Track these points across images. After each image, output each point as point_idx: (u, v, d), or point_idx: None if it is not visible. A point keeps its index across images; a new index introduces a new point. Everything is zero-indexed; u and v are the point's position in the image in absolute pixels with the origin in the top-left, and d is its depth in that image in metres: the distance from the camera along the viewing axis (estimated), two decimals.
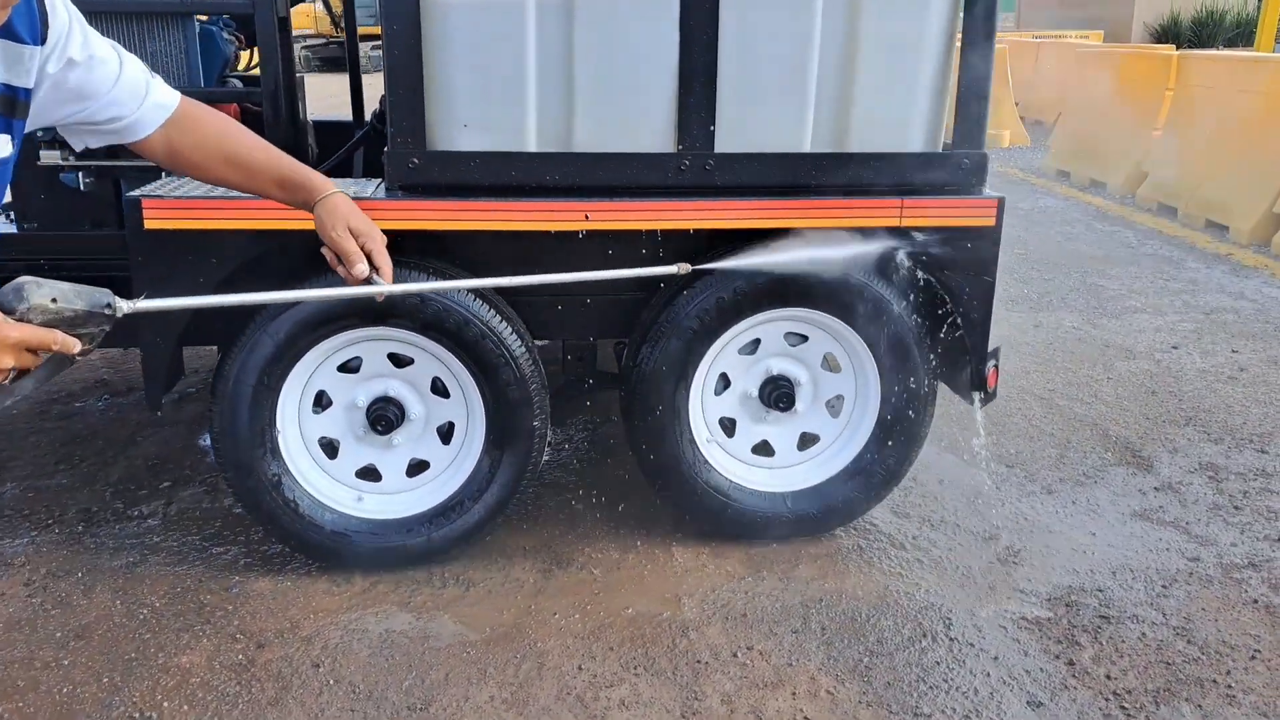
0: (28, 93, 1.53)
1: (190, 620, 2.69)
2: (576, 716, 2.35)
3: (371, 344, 2.82)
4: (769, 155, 2.80)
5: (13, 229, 3.32)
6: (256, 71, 3.07)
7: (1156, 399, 4.27)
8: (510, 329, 2.78)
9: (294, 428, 2.84)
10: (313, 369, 2.80)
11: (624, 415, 2.99)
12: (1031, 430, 3.95)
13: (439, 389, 2.88)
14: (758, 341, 3.00)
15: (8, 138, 1.54)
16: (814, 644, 2.62)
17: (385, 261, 1.88)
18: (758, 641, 2.62)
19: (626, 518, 3.22)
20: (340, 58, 6.45)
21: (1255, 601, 2.82)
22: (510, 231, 2.75)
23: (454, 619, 2.70)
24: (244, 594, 2.80)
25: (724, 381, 3.03)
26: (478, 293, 2.75)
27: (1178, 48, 13.26)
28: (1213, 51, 13.35)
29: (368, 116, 3.86)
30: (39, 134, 2.86)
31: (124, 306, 1.34)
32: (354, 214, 1.86)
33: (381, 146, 2.77)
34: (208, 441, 3.24)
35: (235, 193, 2.62)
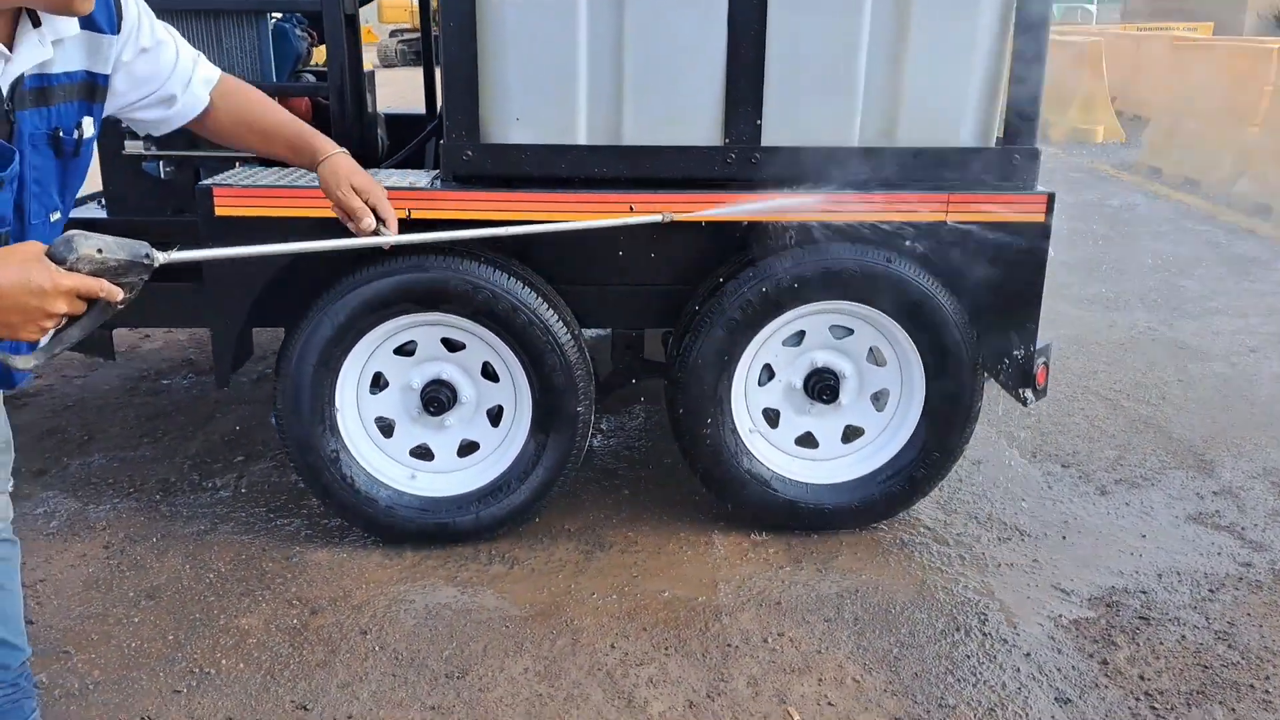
0: (106, 79, 1.67)
1: (252, 585, 2.85)
2: (605, 691, 2.43)
3: (426, 329, 2.94)
4: (816, 148, 2.82)
5: (102, 215, 3.55)
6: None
7: (1227, 403, 4.15)
8: (557, 317, 2.87)
9: (352, 407, 2.98)
10: (370, 351, 2.94)
11: (668, 404, 3.06)
12: (1092, 430, 3.89)
13: (489, 373, 2.99)
14: (802, 334, 3.03)
15: (90, 120, 1.67)
16: (845, 633, 2.65)
17: (390, 213, 1.97)
18: (789, 628, 2.67)
19: (671, 505, 3.28)
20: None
21: None
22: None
23: (496, 594, 2.81)
24: (302, 563, 2.95)
25: (768, 373, 3.07)
26: (527, 282, 2.85)
27: None
28: None
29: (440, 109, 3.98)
30: (124, 124, 3.05)
31: (160, 257, 1.45)
32: (356, 172, 1.96)
33: None
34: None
35: (300, 182, 2.79)
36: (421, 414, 2.97)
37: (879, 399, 3.10)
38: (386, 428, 3.02)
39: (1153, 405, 4.12)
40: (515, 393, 2.99)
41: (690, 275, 3.00)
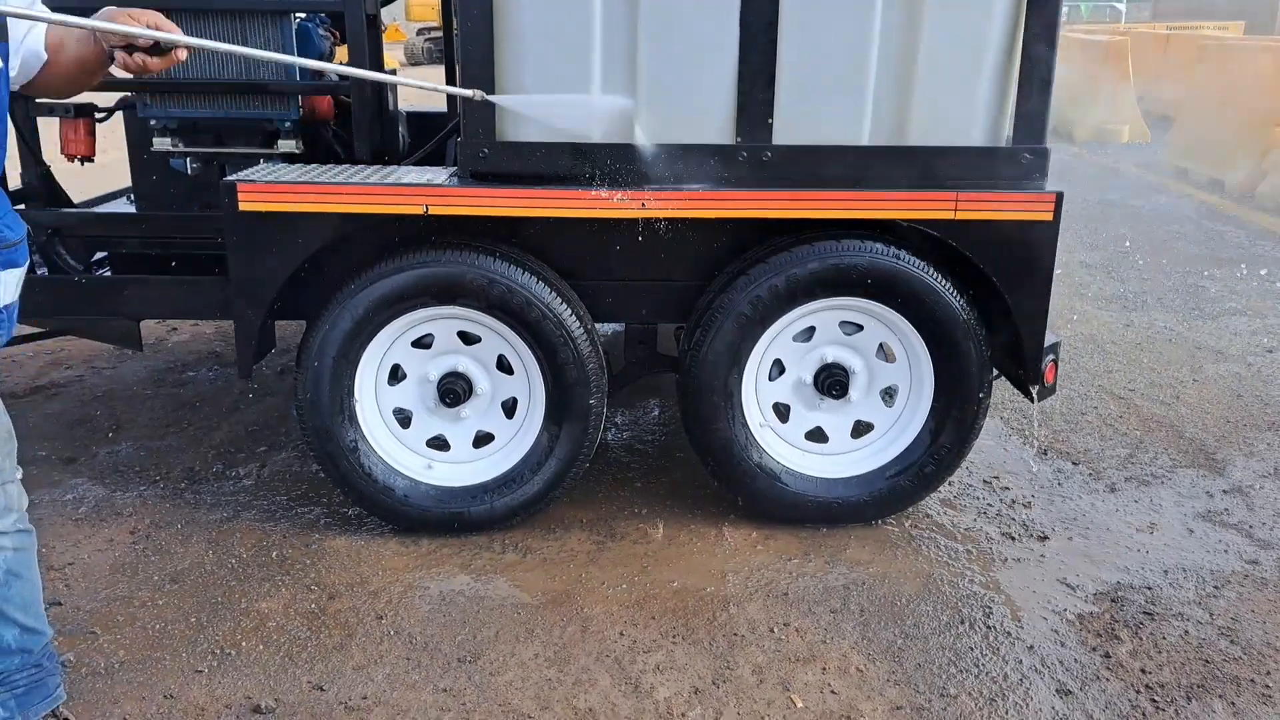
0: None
1: (272, 571, 2.92)
2: (612, 676, 2.48)
3: (443, 322, 3.01)
4: (826, 147, 2.87)
5: (132, 209, 3.65)
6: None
7: (1241, 402, 4.16)
8: (570, 311, 2.93)
9: (371, 398, 3.05)
10: (389, 344, 3.01)
11: (680, 398, 3.11)
12: (1104, 429, 3.91)
13: (504, 366, 3.05)
14: (813, 329, 3.07)
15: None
16: (850, 624, 2.69)
17: (169, 25, 1.99)
18: (795, 619, 2.71)
19: (682, 497, 3.34)
20: None
21: None
22: (572, 218, 2.89)
23: (509, 582, 2.87)
24: (321, 550, 3.03)
25: (779, 368, 3.11)
26: (541, 276, 2.91)
27: None
28: None
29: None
30: (152, 121, 3.14)
31: None
32: (120, 13, 1.98)
33: None
34: None
35: (323, 178, 2.86)
36: (438, 405, 3.04)
37: (888, 395, 3.14)
38: (404, 419, 3.10)
39: (1166, 404, 4.13)
40: (530, 385, 3.05)
41: (702, 271, 3.05)
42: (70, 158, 3.28)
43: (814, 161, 2.88)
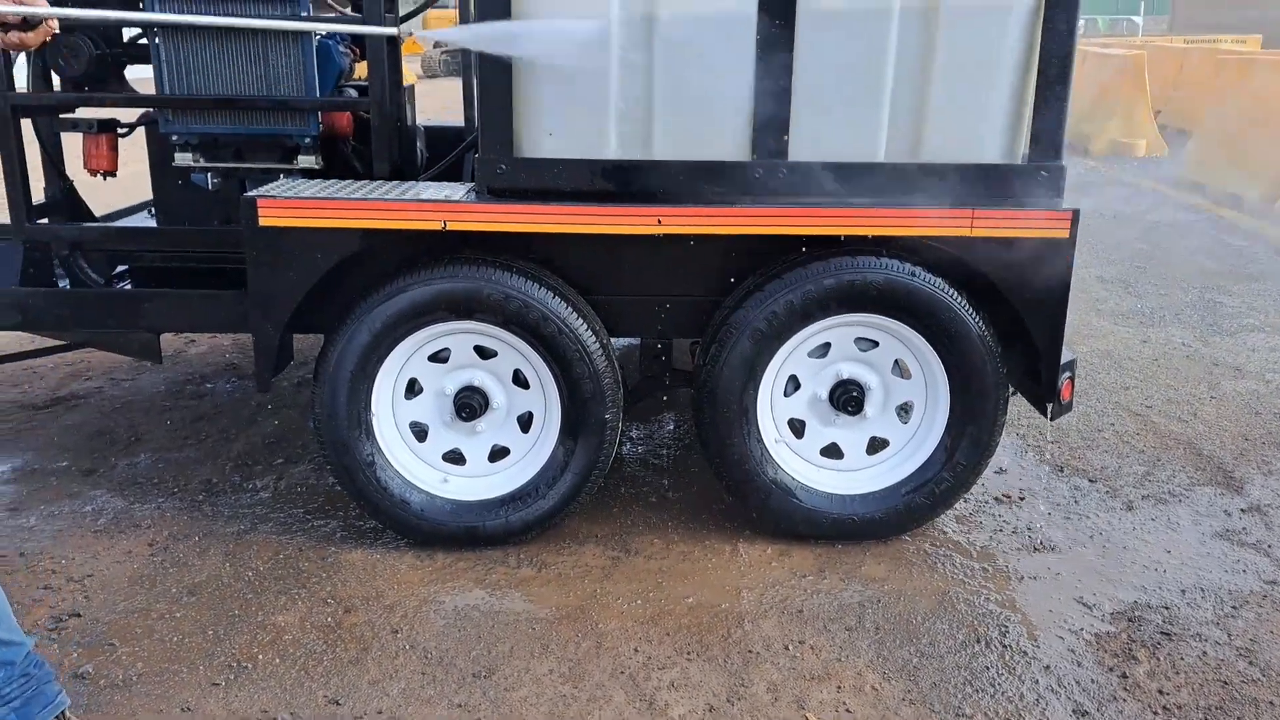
0: None
1: (288, 584, 2.94)
2: (627, 693, 2.48)
3: (460, 336, 3.03)
4: (842, 164, 2.88)
5: (152, 223, 3.69)
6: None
7: (1260, 420, 4.13)
8: (586, 326, 2.94)
9: (387, 412, 3.06)
10: (406, 358, 3.03)
11: (695, 413, 3.11)
12: (1121, 446, 3.89)
13: (520, 380, 3.07)
14: (828, 345, 3.08)
15: None
16: (866, 642, 2.69)
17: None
18: (810, 636, 2.71)
19: (697, 512, 3.34)
20: None
21: None
22: (589, 234, 2.91)
23: (524, 597, 2.88)
24: (338, 563, 3.04)
25: (794, 383, 3.12)
26: (557, 291, 2.93)
27: None
28: None
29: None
30: (174, 137, 3.18)
31: None
32: None
33: None
34: None
35: (341, 194, 2.89)
36: (454, 419, 3.05)
37: (904, 411, 3.14)
38: (420, 432, 3.11)
39: (1184, 422, 4.11)
40: (545, 400, 3.06)
41: (718, 286, 3.06)
42: (93, 172, 3.32)
43: (829, 178, 2.88)
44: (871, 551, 3.11)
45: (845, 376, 3.08)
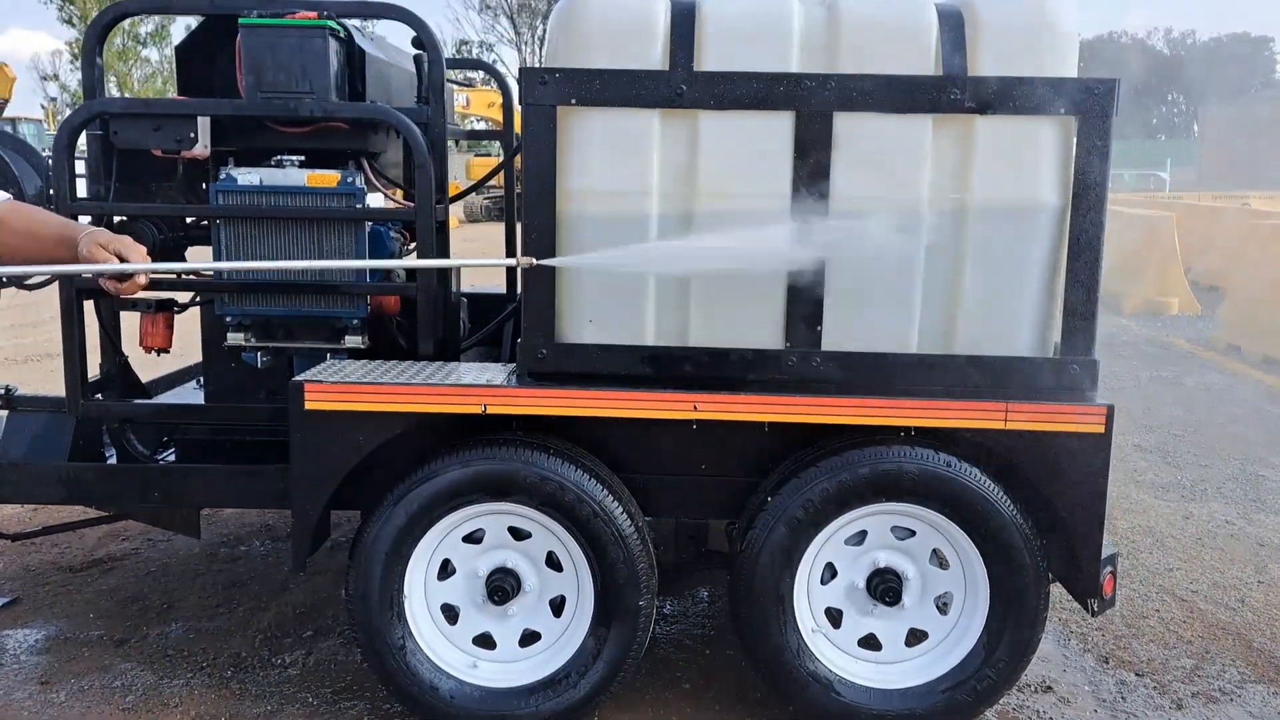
0: None
1: None
2: None
3: (495, 517, 3.04)
4: (875, 355, 2.93)
5: (199, 394, 3.79)
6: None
7: None
8: (621, 508, 2.95)
9: (420, 593, 3.05)
10: (440, 538, 3.04)
11: (731, 599, 3.08)
12: (1167, 635, 3.77)
13: (553, 562, 3.06)
14: (864, 533, 3.05)
15: None
16: None
17: (133, 253, 2.27)
18: None
19: (732, 702, 3.25)
20: None
21: None
22: (627, 418, 2.95)
23: None
24: None
25: (830, 571, 3.08)
26: (592, 473, 2.95)
27: None
28: None
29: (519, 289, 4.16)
30: (227, 318, 3.29)
31: None
32: (100, 233, 2.31)
33: None
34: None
35: (385, 379, 2.96)
36: (486, 602, 3.03)
37: (943, 604, 3.08)
38: (451, 614, 3.09)
39: (1232, 609, 3.99)
40: (578, 583, 3.04)
41: (754, 468, 3.07)
42: (148, 350, 3.43)
43: (863, 368, 2.93)
44: None
45: (882, 565, 3.04)
